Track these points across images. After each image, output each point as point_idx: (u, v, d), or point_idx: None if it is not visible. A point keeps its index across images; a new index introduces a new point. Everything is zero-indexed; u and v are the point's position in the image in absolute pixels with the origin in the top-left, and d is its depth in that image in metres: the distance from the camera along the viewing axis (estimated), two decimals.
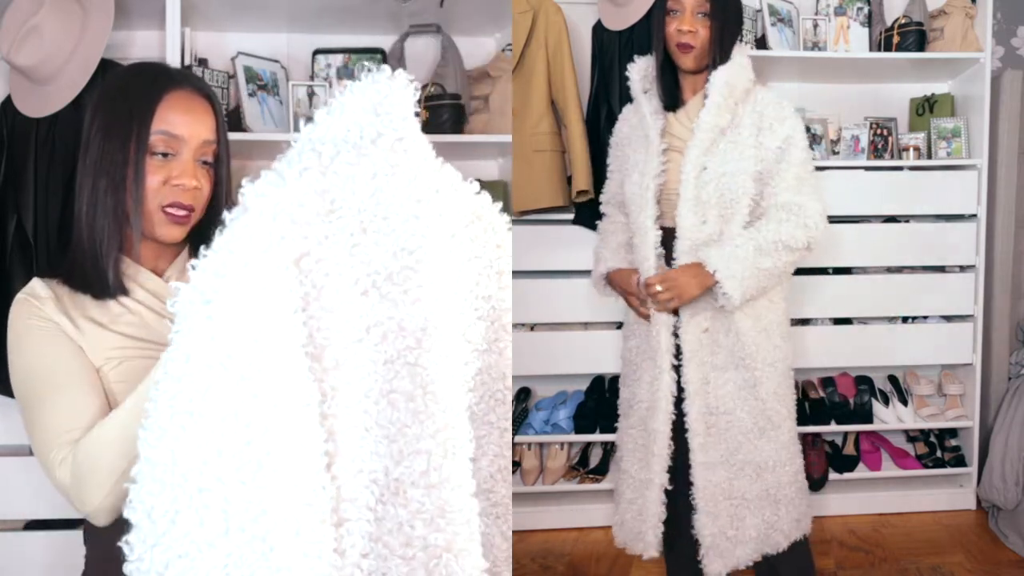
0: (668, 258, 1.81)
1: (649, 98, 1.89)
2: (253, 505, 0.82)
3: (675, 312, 1.81)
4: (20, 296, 1.23)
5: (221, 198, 1.29)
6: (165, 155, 1.22)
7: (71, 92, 2.01)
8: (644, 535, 1.84)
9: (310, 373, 0.85)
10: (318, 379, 0.86)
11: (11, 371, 1.20)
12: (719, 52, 1.82)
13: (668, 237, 1.81)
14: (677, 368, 1.81)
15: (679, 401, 1.81)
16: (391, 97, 0.91)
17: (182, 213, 1.23)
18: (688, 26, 1.80)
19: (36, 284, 1.24)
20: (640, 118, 1.91)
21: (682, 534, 1.83)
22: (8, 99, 2.09)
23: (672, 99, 1.88)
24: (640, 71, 1.92)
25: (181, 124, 1.22)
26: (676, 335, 1.82)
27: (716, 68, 1.82)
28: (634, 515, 1.87)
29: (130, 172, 1.20)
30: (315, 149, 0.88)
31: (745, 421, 1.80)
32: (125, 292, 1.24)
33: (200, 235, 1.30)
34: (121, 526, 0.93)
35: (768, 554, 1.83)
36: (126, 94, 1.23)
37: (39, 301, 1.21)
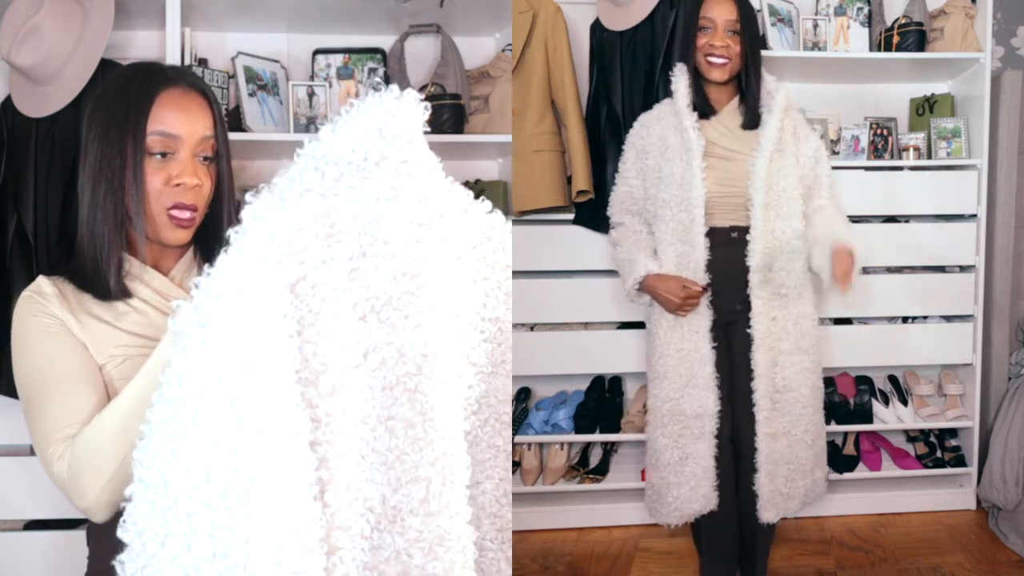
0: (712, 256, 2.02)
1: (689, 111, 2.03)
2: (238, 533, 0.81)
3: (716, 310, 2.04)
4: (25, 293, 1.23)
5: (223, 195, 1.29)
6: (163, 155, 1.22)
7: (71, 92, 2.01)
8: (709, 495, 2.07)
9: (302, 400, 0.84)
10: (313, 405, 0.85)
11: (15, 367, 1.20)
12: (751, 67, 2.04)
13: (711, 236, 2.02)
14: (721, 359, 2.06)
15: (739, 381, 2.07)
16: (397, 118, 0.89)
17: (186, 216, 1.24)
18: (720, 41, 1.98)
19: (41, 281, 1.24)
20: (680, 130, 2.04)
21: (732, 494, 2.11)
22: (8, 99, 2.10)
23: (706, 108, 2.05)
24: (685, 83, 2.05)
25: (176, 123, 1.22)
26: (713, 331, 2.05)
27: (751, 82, 2.03)
28: (691, 488, 2.07)
29: (129, 175, 1.20)
30: (318, 169, 0.87)
31: (807, 397, 2.08)
32: (128, 295, 1.24)
33: (204, 233, 1.30)
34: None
35: (805, 505, 2.14)
36: (121, 96, 1.23)
37: (44, 298, 1.21)
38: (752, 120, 2.05)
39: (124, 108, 1.21)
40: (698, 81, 2.05)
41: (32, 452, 2.23)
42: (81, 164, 1.24)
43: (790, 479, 2.07)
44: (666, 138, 2.06)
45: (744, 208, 2.02)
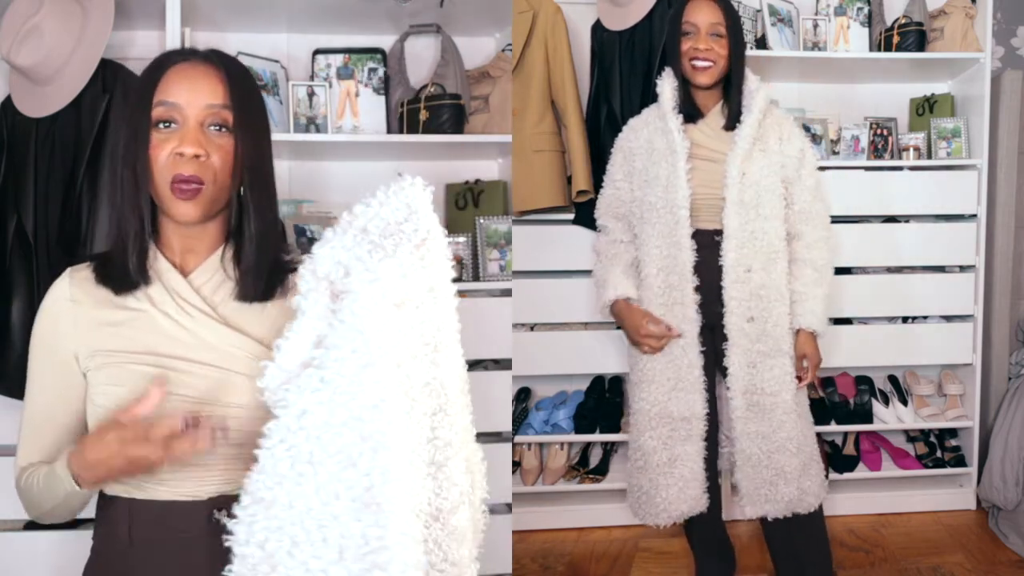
0: (699, 258, 2.01)
1: (675, 114, 2.04)
2: (368, 540, 0.97)
3: (703, 314, 2.03)
4: (48, 299, 1.25)
5: (239, 172, 1.22)
6: (168, 124, 1.19)
7: (71, 92, 2.01)
8: (699, 497, 2.08)
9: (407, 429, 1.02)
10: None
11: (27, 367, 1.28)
12: (735, 68, 2.04)
13: (697, 238, 2.02)
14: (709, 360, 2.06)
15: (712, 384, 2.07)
16: (415, 199, 1.04)
17: (188, 188, 1.19)
18: (704, 45, 1.99)
19: (63, 284, 1.25)
20: (665, 133, 2.04)
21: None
22: (8, 99, 2.10)
23: (693, 112, 2.04)
24: (671, 87, 2.06)
25: (178, 92, 1.20)
26: (702, 335, 2.04)
27: (734, 84, 2.04)
28: (681, 488, 2.06)
29: (139, 149, 1.19)
30: (376, 242, 1.01)
31: (789, 403, 2.04)
32: (147, 281, 1.22)
33: (231, 230, 1.26)
34: (132, 517, 1.15)
35: (799, 513, 2.08)
36: (138, 82, 1.24)
37: (58, 308, 1.24)
38: (732, 121, 2.05)
39: (137, 90, 1.22)
40: (685, 86, 2.05)
41: None
42: (111, 157, 1.26)
43: (772, 483, 2.04)
44: (652, 141, 2.07)
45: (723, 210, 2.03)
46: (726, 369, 2.04)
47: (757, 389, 2.02)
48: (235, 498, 1.20)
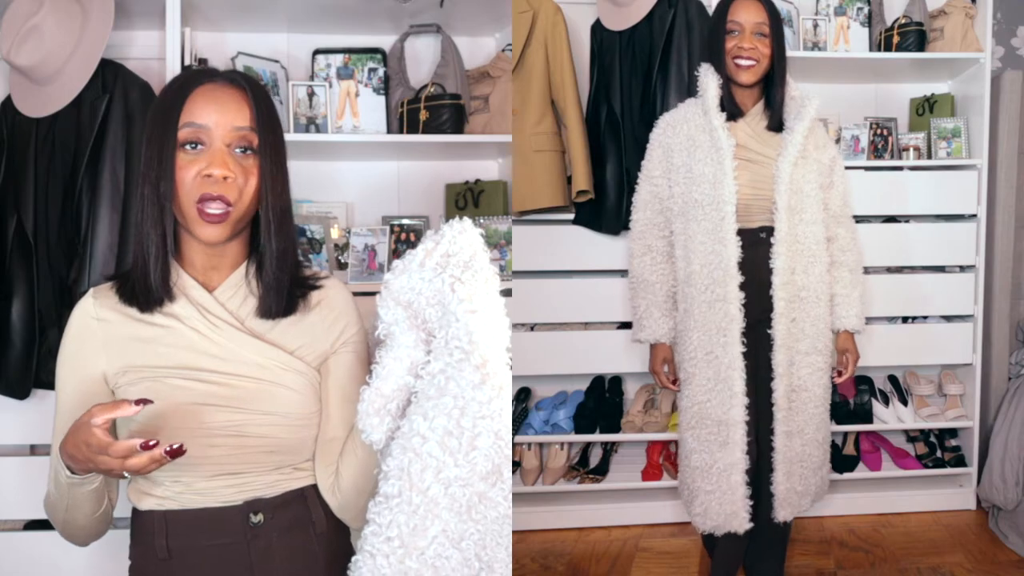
0: (744, 256, 2.00)
1: (718, 111, 2.04)
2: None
3: (747, 312, 2.03)
4: (74, 321, 1.26)
5: (266, 194, 1.24)
6: (195, 146, 1.20)
7: (71, 92, 2.01)
8: (737, 514, 2.07)
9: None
10: None
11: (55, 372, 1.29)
12: (777, 69, 2.07)
13: (741, 236, 2.02)
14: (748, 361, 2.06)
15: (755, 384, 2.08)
16: (476, 241, 1.18)
17: (217, 212, 1.19)
18: (748, 43, 2.01)
19: (89, 303, 1.26)
20: (709, 130, 2.04)
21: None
22: (8, 99, 2.10)
23: (733, 110, 2.06)
24: (715, 83, 2.05)
25: (205, 114, 1.21)
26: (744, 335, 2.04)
27: (776, 83, 2.07)
28: (719, 500, 2.07)
29: (163, 169, 1.20)
30: (456, 275, 1.14)
31: (820, 396, 2.12)
32: (171, 297, 1.23)
33: (256, 243, 1.27)
34: (168, 528, 1.20)
35: (815, 502, 2.20)
36: (162, 100, 1.25)
37: (87, 326, 1.25)
38: (776, 123, 2.06)
39: (163, 109, 1.22)
40: (726, 83, 2.05)
41: (31, 452, 2.23)
42: (136, 173, 1.28)
43: (803, 477, 2.11)
44: (694, 138, 2.05)
45: (770, 212, 2.02)
46: (772, 370, 2.05)
47: (795, 386, 2.07)
48: (269, 500, 1.25)
